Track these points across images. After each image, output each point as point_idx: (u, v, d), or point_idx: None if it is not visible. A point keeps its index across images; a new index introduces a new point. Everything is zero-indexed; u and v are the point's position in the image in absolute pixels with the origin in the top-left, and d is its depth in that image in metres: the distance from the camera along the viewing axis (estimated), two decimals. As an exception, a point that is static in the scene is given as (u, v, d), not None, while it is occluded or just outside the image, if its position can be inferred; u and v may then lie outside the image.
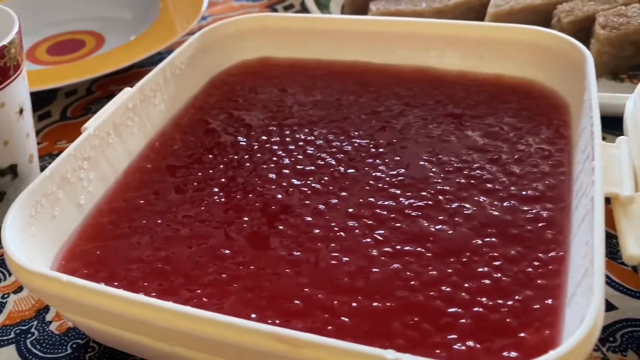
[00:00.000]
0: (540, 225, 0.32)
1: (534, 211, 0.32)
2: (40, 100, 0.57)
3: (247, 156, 0.39)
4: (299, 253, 0.31)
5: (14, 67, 0.39)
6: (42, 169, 0.39)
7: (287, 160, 0.38)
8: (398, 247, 0.31)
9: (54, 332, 0.35)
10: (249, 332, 0.23)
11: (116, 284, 0.31)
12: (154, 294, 0.30)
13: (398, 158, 0.37)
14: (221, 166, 0.38)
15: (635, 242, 0.26)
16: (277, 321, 0.28)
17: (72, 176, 0.35)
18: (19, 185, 0.41)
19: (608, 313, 0.33)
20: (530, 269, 0.29)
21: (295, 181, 0.36)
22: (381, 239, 0.32)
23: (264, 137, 0.40)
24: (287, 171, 0.37)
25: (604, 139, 0.31)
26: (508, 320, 0.27)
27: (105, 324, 0.29)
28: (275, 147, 0.39)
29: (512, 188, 0.34)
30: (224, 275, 0.31)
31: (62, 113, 0.56)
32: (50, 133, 0.53)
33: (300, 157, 0.38)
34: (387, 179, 0.36)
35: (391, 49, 0.45)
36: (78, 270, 0.32)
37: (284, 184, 0.36)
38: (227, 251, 0.32)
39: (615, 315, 0.33)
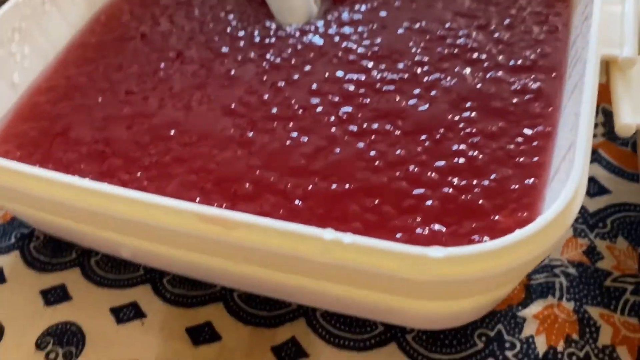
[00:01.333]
0: (527, 97, 0.27)
1: (521, 82, 0.28)
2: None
3: (197, 27, 0.34)
4: (252, 133, 0.28)
5: None
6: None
7: (242, 32, 0.33)
8: (364, 125, 0.27)
9: (-3, 221, 0.32)
10: (175, 212, 0.20)
11: (50, 166, 0.28)
12: (90, 176, 0.27)
13: (374, 26, 0.32)
14: (172, 38, 0.34)
15: (632, 110, 0.22)
16: (224, 205, 0.25)
17: (0, 49, 0.31)
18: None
19: (600, 197, 0.30)
20: (511, 146, 0.26)
21: (252, 54, 0.32)
22: (345, 117, 0.28)
23: (217, 6, 0.36)
24: (242, 43, 0.32)
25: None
26: (480, 201, 0.24)
27: (35, 209, 0.26)
28: (230, 17, 0.35)
29: (499, 57, 0.29)
30: (167, 157, 0.27)
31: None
32: None
33: (256, 28, 0.33)
34: (360, 50, 0.31)
35: None
36: (10, 152, 0.29)
37: (239, 57, 0.32)
38: (172, 131, 0.28)
39: (608, 200, 0.29)
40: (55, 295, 0.29)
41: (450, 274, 0.18)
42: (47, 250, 0.31)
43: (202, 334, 0.27)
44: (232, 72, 0.31)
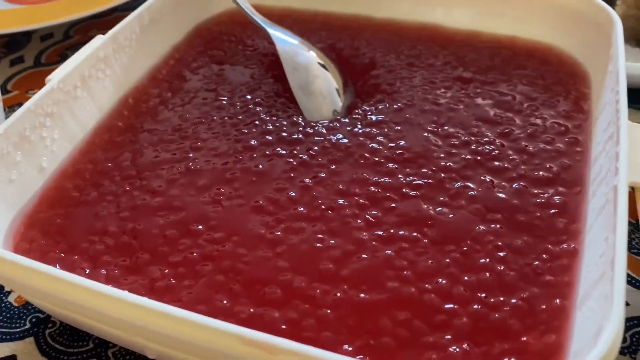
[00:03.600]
0: (551, 212, 0.28)
1: (545, 195, 0.29)
2: (13, 43, 0.53)
3: (227, 117, 0.35)
4: (279, 233, 0.28)
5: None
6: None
7: (270, 126, 0.34)
8: (391, 230, 0.28)
9: (12, 303, 0.32)
10: (216, 333, 0.20)
11: (76, 257, 0.28)
12: (116, 271, 0.27)
13: (399, 128, 0.33)
14: (201, 127, 0.34)
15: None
16: (252, 310, 0.25)
17: (32, 134, 0.31)
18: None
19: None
20: (537, 262, 0.26)
21: (280, 150, 0.32)
22: (373, 220, 0.28)
23: (247, 97, 0.36)
24: (270, 137, 0.33)
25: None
26: (510, 321, 0.24)
27: (55, 306, 0.26)
28: (259, 109, 0.35)
29: (522, 167, 0.30)
30: (195, 254, 0.27)
31: (36, 59, 0.51)
32: (22, 80, 0.49)
33: (285, 122, 0.34)
34: (385, 151, 0.32)
35: (394, 2, 0.40)
36: (36, 240, 0.29)
37: (267, 152, 0.32)
38: (200, 226, 0.29)
39: (626, 312, 0.30)
40: (70, 389, 0.28)
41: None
42: (62, 339, 0.30)
43: None
44: (261, 166, 0.31)
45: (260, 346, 0.20)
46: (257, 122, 0.34)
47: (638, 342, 0.29)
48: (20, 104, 0.46)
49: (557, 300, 0.25)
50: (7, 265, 0.23)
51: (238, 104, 0.36)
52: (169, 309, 0.21)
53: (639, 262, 0.32)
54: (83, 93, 0.34)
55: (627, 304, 0.30)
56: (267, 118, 0.35)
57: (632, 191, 0.25)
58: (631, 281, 0.31)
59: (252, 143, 0.33)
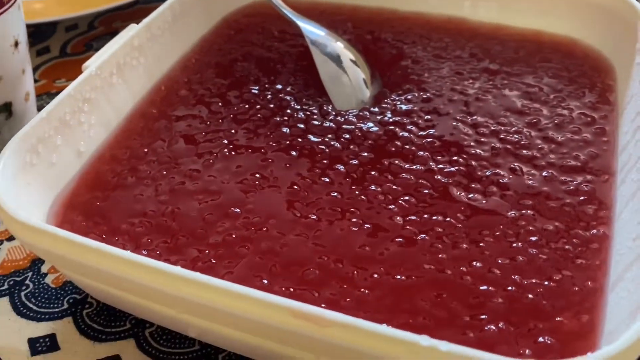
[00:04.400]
0: (581, 198, 0.29)
1: (574, 183, 0.30)
2: (39, 33, 0.53)
3: (258, 107, 0.36)
4: (314, 217, 0.29)
5: (7, -6, 0.35)
6: (40, 108, 0.36)
7: (302, 114, 0.35)
8: (425, 216, 0.29)
9: (49, 285, 0.33)
10: (267, 305, 0.21)
11: (117, 239, 0.29)
12: (158, 251, 0.28)
13: (428, 117, 0.34)
14: (231, 116, 0.35)
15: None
16: (292, 289, 0.26)
17: (71, 119, 0.32)
18: (14, 125, 0.38)
19: None
20: (569, 247, 0.27)
21: (312, 137, 0.33)
22: (407, 206, 0.29)
23: (278, 86, 0.37)
24: (302, 126, 0.34)
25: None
26: (544, 302, 0.25)
27: (102, 283, 0.27)
28: (290, 98, 0.36)
29: (551, 156, 0.31)
30: (234, 236, 0.28)
31: (62, 49, 0.52)
32: (48, 70, 0.49)
33: (315, 112, 0.35)
34: (415, 139, 0.33)
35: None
36: (77, 222, 0.30)
37: (300, 140, 0.33)
38: (238, 210, 0.29)
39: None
40: (110, 366, 0.29)
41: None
42: (100, 319, 0.31)
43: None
44: (293, 153, 0.32)
45: (310, 319, 0.20)
46: (288, 111, 0.35)
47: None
48: (47, 93, 0.46)
49: (589, 283, 0.25)
50: (58, 241, 0.24)
51: (268, 93, 0.36)
52: (221, 283, 0.22)
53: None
54: (118, 80, 0.35)
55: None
56: (298, 107, 0.35)
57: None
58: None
59: (284, 131, 0.34)
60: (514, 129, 0.33)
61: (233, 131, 0.34)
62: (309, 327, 0.20)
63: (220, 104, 0.36)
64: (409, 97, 0.36)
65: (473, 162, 0.31)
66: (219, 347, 0.29)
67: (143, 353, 0.29)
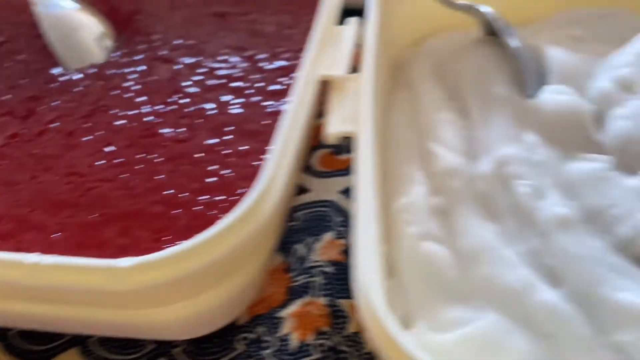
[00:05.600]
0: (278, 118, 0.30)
1: (276, 105, 0.31)
2: None
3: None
4: (20, 175, 0.29)
5: None
6: None
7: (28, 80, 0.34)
8: (129, 157, 0.29)
9: None
10: None
11: None
12: None
13: (148, 65, 0.34)
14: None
15: (340, 121, 0.25)
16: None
17: None
18: None
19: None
20: (259, 162, 0.28)
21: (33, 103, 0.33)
22: (114, 148, 0.30)
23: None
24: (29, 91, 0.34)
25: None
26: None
27: None
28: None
29: (260, 85, 0.32)
30: None
31: None
32: None
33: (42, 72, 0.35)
34: (134, 86, 0.33)
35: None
36: None
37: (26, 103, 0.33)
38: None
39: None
40: None
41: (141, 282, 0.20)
42: None
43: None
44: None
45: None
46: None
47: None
48: None
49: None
50: None
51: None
52: None
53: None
54: None
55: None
56: (25, 71, 0.35)
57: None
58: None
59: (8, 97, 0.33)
60: (230, 64, 0.34)
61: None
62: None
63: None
64: (140, 47, 0.36)
65: (186, 100, 0.32)
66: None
67: None
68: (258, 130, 0.30)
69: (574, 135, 0.26)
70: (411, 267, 0.24)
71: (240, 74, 0.33)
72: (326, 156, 0.36)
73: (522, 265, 0.22)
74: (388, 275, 0.24)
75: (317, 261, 0.30)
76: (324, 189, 0.33)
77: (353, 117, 0.25)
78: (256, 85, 0.32)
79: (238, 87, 0.32)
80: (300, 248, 0.30)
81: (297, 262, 0.30)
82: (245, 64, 0.34)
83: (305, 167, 0.35)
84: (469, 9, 0.31)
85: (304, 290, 0.29)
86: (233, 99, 0.32)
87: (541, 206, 0.23)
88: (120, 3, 0.40)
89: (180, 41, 0.36)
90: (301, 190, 0.34)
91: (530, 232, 0.23)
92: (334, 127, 0.25)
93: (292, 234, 0.31)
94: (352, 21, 0.30)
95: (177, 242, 0.25)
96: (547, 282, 0.22)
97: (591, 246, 0.22)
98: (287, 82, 0.32)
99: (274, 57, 0.34)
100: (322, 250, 0.30)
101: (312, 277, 0.29)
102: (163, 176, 0.28)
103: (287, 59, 0.34)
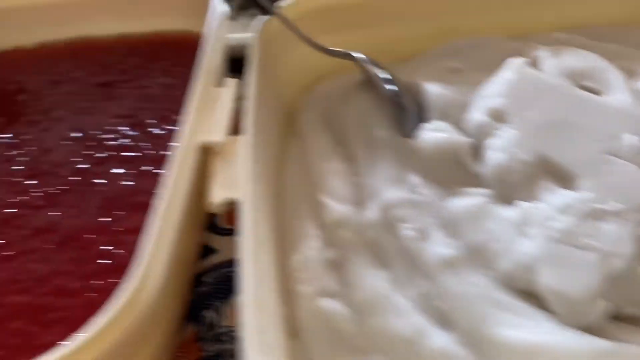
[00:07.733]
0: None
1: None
2: None
3: None
4: None
5: None
6: None
7: None
8: (21, 246, 0.28)
9: None
10: None
11: None
12: None
13: (35, 148, 0.34)
14: None
15: (220, 188, 0.25)
16: None
17: None
18: None
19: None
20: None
21: None
22: (3, 241, 0.29)
23: None
24: None
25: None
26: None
27: None
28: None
29: (150, 152, 0.32)
30: None
31: None
32: None
33: None
34: (24, 169, 0.32)
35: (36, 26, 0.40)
36: None
37: None
38: None
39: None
40: None
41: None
42: None
43: None
44: None
45: None
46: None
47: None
48: None
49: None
50: None
51: None
52: None
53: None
54: None
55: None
56: None
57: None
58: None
59: None
60: (119, 133, 0.33)
61: None
62: None
63: None
64: (26, 128, 0.35)
65: (77, 178, 0.31)
66: None
67: None
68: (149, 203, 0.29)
69: (453, 171, 0.27)
70: (311, 325, 0.24)
71: (130, 143, 0.33)
72: (231, 212, 0.35)
73: (413, 311, 0.22)
74: (291, 336, 0.24)
75: (227, 326, 0.29)
76: (231, 248, 0.33)
77: (235, 182, 0.25)
78: (146, 152, 0.32)
79: (129, 157, 0.32)
80: (209, 314, 0.30)
81: (207, 330, 0.29)
82: (134, 132, 0.33)
83: (210, 226, 0.34)
84: (345, 56, 0.31)
85: (217, 357, 0.28)
86: (123, 171, 0.31)
87: (426, 248, 0.24)
88: (2, 84, 0.39)
89: (68, 115, 0.35)
90: (208, 250, 0.33)
91: (418, 275, 0.23)
92: (217, 195, 0.25)
93: (201, 299, 0.31)
94: (230, 82, 0.30)
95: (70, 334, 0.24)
96: (439, 326, 0.22)
97: (476, 284, 0.22)
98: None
99: (163, 121, 0.34)
100: (232, 314, 0.30)
101: (222, 344, 0.28)
102: (53, 265, 0.27)
103: (175, 123, 0.34)
